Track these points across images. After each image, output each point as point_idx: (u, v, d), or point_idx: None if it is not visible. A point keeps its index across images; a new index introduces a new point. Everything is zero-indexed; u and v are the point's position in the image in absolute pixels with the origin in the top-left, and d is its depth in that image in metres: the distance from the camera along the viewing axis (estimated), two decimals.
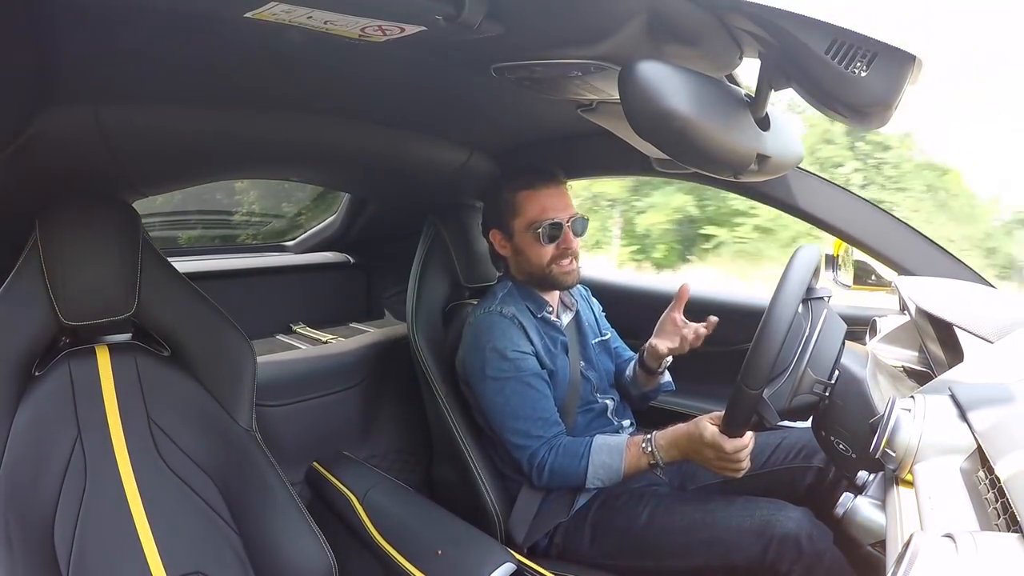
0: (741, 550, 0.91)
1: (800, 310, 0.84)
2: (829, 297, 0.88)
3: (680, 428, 0.97)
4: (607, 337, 1.29)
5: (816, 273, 0.86)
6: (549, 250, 1.11)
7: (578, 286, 1.33)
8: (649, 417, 1.42)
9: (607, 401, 1.20)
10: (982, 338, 0.71)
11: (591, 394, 1.17)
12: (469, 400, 1.17)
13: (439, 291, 1.29)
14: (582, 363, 1.18)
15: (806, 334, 0.85)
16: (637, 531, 1.01)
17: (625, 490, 1.08)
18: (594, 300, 1.34)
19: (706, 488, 1.14)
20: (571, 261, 1.13)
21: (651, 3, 0.59)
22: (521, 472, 1.12)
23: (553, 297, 1.20)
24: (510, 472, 1.15)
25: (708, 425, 0.91)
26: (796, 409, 0.83)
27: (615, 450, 1.01)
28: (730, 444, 0.89)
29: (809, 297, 0.87)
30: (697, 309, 1.55)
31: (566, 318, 1.21)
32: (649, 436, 1.00)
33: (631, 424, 1.23)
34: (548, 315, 1.16)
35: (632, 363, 1.26)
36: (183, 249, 1.84)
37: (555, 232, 1.10)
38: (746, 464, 0.92)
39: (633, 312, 1.57)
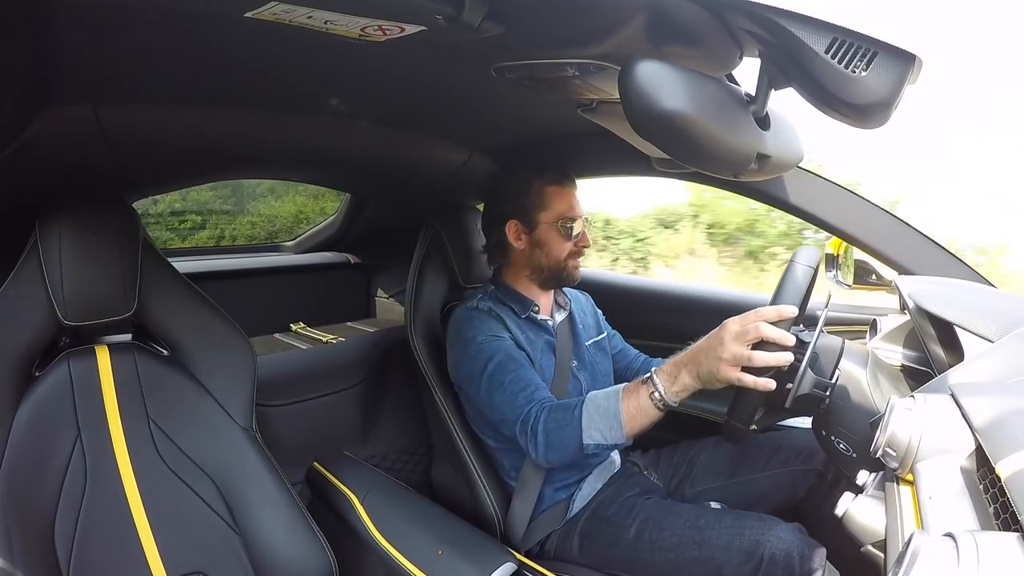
0: (731, 569, 0.90)
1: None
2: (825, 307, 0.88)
3: (690, 347, 0.86)
4: (603, 336, 1.28)
5: (816, 271, 0.86)
6: (569, 246, 1.14)
7: (581, 293, 1.33)
8: None
9: None
10: (982, 337, 0.71)
11: (580, 395, 1.14)
12: (463, 403, 1.17)
13: (437, 292, 1.29)
14: (574, 362, 1.17)
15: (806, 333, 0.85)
16: (625, 545, 1.00)
17: (616, 499, 1.07)
18: (598, 309, 1.34)
19: (704, 493, 1.13)
20: (581, 258, 1.17)
21: (651, 3, 0.59)
22: (515, 471, 1.12)
23: (547, 297, 1.20)
24: (507, 475, 1.15)
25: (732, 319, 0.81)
26: (797, 406, 0.83)
27: (611, 393, 0.92)
28: (765, 309, 0.77)
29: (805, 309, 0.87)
30: (696, 307, 1.56)
31: (559, 316, 1.21)
32: (650, 371, 0.90)
33: None
34: (534, 314, 1.16)
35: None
36: (183, 249, 1.84)
37: (579, 229, 1.14)
38: (765, 358, 0.76)
39: (637, 312, 1.57)
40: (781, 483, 1.08)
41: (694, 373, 0.84)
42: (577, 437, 0.92)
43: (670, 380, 0.86)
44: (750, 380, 0.78)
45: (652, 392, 0.87)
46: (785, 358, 0.77)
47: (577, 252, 1.15)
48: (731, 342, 0.78)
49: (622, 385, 0.93)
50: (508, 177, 1.19)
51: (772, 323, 0.77)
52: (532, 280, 1.18)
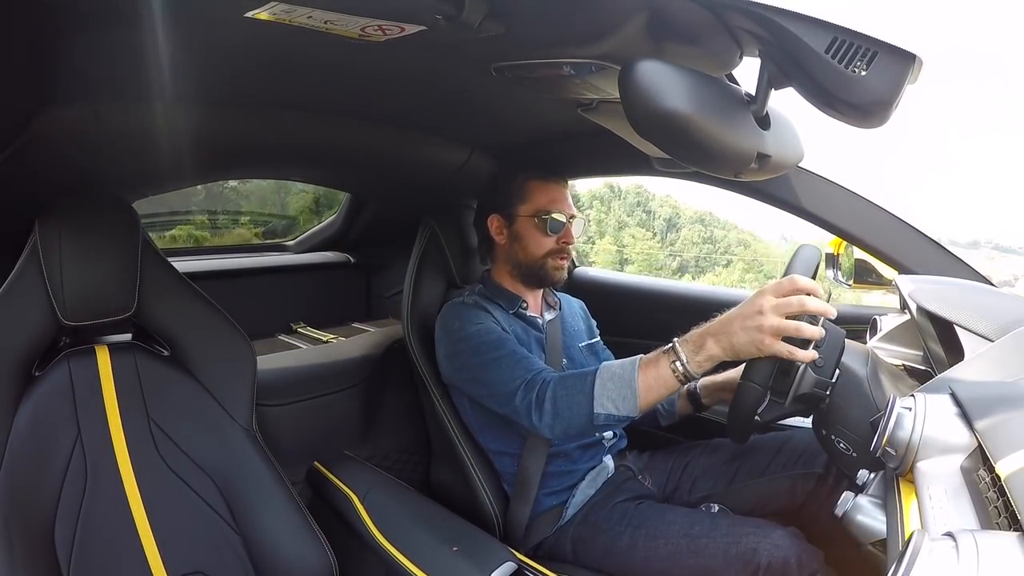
0: None
1: None
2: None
3: (717, 318, 0.83)
4: (596, 340, 1.28)
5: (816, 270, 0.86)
6: (549, 242, 1.13)
7: (575, 300, 1.33)
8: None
9: None
10: (982, 336, 0.71)
11: None
12: (456, 401, 1.17)
13: (434, 292, 1.29)
14: (564, 361, 1.16)
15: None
16: (620, 553, 0.99)
17: (607, 505, 1.06)
18: (592, 319, 1.34)
19: (702, 499, 1.12)
20: (565, 258, 1.15)
21: (651, 2, 0.59)
22: (510, 476, 1.12)
23: (535, 295, 1.20)
24: (503, 480, 1.15)
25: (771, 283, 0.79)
26: (799, 404, 0.83)
27: (627, 361, 0.88)
28: (801, 279, 0.75)
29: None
30: (695, 307, 1.56)
31: (548, 316, 1.20)
32: (672, 342, 0.86)
33: (615, 436, 1.19)
34: (523, 310, 1.16)
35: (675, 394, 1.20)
36: (183, 249, 1.84)
37: (558, 224, 1.12)
38: (810, 329, 0.75)
39: (637, 313, 1.57)
40: (781, 487, 1.06)
41: (725, 343, 0.79)
42: (588, 406, 0.88)
43: (694, 350, 0.82)
44: (802, 354, 0.74)
45: (673, 361, 0.83)
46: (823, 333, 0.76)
47: (559, 251, 1.14)
48: (772, 313, 0.75)
49: (639, 356, 0.89)
50: (497, 174, 1.21)
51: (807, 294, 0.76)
52: (515, 277, 1.18)
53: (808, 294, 0.76)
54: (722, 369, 1.14)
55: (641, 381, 0.86)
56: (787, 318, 0.75)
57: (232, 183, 2.09)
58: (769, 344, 0.75)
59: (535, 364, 1.00)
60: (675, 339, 0.86)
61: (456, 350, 1.08)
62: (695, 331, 0.85)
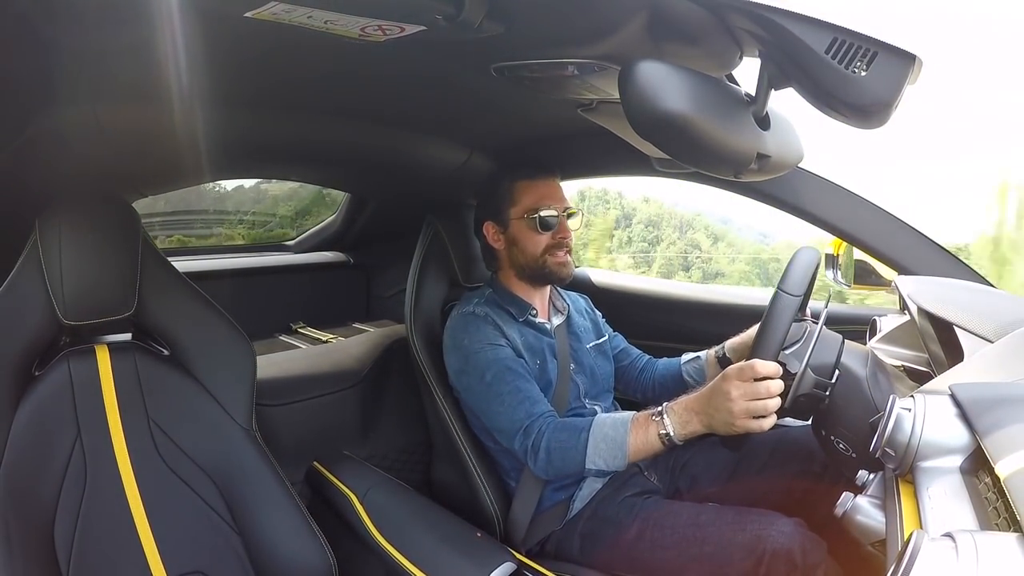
0: (734, 566, 0.89)
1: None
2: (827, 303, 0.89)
3: (698, 391, 0.90)
4: (604, 339, 1.28)
5: (816, 272, 0.87)
6: (544, 239, 1.12)
7: (579, 296, 1.33)
8: None
9: (596, 407, 1.17)
10: (982, 338, 0.71)
11: (578, 399, 1.15)
12: (462, 406, 1.17)
13: (437, 291, 1.29)
14: (572, 365, 1.16)
15: (807, 332, 0.86)
16: (626, 545, 1.00)
17: (616, 499, 1.07)
18: (597, 311, 1.34)
19: (701, 494, 1.13)
20: (566, 252, 1.14)
21: (651, 2, 0.59)
22: (516, 472, 1.12)
23: (542, 298, 1.20)
24: (508, 475, 1.15)
25: (732, 367, 0.85)
26: (797, 406, 0.83)
27: (619, 422, 0.95)
28: (761, 365, 0.81)
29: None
30: (697, 310, 1.56)
31: (556, 320, 1.20)
32: (660, 408, 0.93)
33: None
34: (532, 317, 1.16)
35: (701, 357, 1.21)
36: (183, 249, 1.84)
37: (551, 221, 1.12)
38: (775, 403, 0.82)
39: (638, 313, 1.57)
40: (779, 484, 1.07)
41: (706, 423, 0.87)
42: (580, 461, 0.95)
43: (681, 424, 0.90)
44: (768, 423, 0.83)
45: (661, 431, 0.91)
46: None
47: (556, 246, 1.13)
48: (740, 399, 0.83)
49: (631, 415, 0.95)
50: (486, 180, 1.20)
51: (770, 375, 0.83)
52: (522, 280, 1.17)
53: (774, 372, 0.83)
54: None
55: (631, 444, 0.93)
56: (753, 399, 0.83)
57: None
58: (743, 424, 0.84)
59: (536, 407, 1.02)
60: (665, 405, 0.92)
61: (463, 369, 1.09)
62: (683, 400, 0.91)
